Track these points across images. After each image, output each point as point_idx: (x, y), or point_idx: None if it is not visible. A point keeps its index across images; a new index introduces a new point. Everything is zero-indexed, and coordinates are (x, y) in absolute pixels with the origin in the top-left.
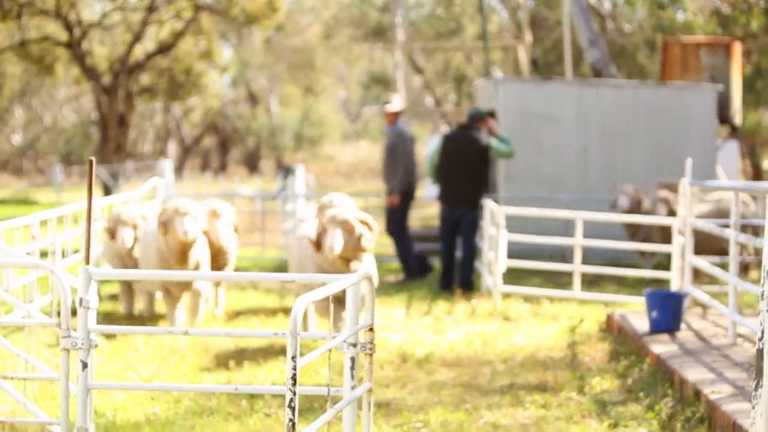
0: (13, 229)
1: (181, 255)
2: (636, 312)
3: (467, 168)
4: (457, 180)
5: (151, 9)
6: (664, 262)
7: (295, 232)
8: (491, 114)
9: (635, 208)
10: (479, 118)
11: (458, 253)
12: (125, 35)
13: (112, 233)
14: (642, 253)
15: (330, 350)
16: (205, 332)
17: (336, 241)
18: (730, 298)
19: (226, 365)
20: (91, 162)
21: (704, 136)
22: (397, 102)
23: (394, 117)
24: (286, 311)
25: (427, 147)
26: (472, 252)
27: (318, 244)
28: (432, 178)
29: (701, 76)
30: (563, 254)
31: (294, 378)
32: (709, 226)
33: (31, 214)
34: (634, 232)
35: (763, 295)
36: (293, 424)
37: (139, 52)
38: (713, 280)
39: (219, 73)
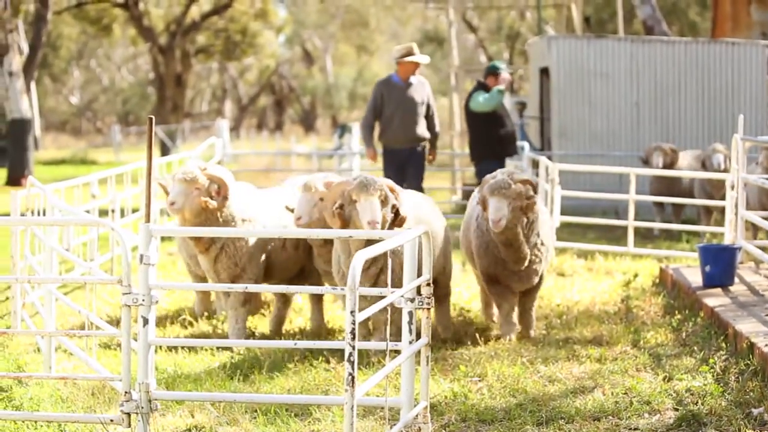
0: (72, 188)
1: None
2: (689, 266)
3: (469, 125)
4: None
5: None
6: (693, 218)
7: None
8: (493, 71)
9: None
10: (488, 74)
11: None
12: None
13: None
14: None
15: (389, 305)
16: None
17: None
18: None
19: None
20: (150, 120)
21: (755, 92)
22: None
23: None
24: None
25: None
26: None
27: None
28: None
29: (752, 32)
30: (616, 209)
31: (353, 332)
32: (762, 180)
33: (91, 174)
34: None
35: None
36: (353, 378)
37: (195, 12)
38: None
39: (274, 33)
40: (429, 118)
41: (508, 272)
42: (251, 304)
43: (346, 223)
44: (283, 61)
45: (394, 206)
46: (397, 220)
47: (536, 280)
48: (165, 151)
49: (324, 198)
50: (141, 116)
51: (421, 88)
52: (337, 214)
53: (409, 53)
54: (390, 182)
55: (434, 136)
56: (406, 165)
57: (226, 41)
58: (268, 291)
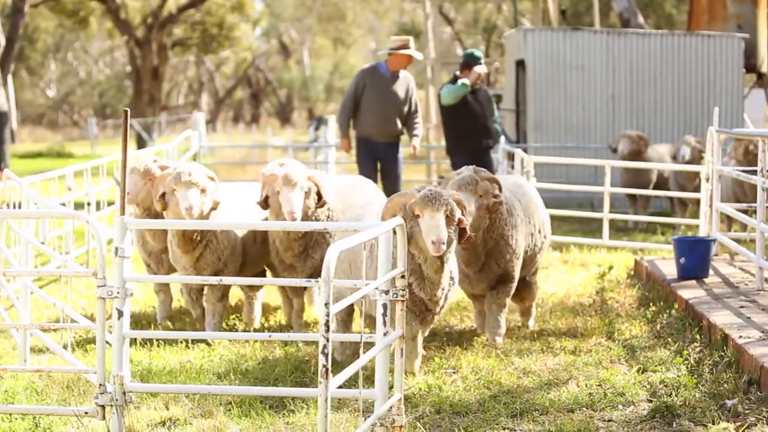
0: (48, 181)
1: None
2: (664, 258)
3: (442, 118)
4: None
5: None
6: (667, 210)
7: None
8: (467, 63)
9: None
10: (463, 67)
11: None
12: None
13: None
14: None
15: (363, 297)
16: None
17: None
18: (757, 244)
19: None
20: (125, 113)
21: (731, 85)
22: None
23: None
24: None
25: None
26: None
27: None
28: None
29: (728, 24)
30: (592, 202)
31: (327, 324)
32: (736, 173)
33: (67, 167)
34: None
35: None
36: (327, 370)
37: (171, 5)
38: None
39: (251, 26)
40: (411, 115)
41: (461, 274)
42: (227, 299)
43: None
44: (260, 54)
45: (460, 221)
46: (462, 240)
47: (494, 282)
48: (141, 143)
49: (308, 191)
50: (118, 109)
51: (405, 83)
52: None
53: (405, 46)
54: (457, 195)
55: (415, 135)
56: (382, 160)
57: (202, 34)
58: (242, 283)
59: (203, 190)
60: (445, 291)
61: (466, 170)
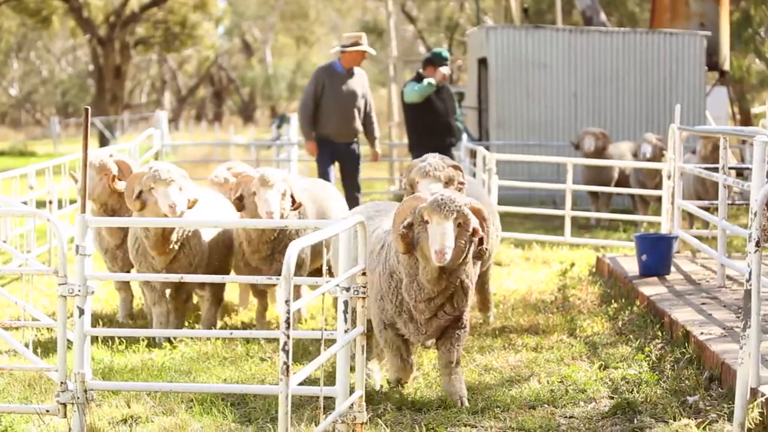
0: (10, 179)
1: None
2: (626, 256)
3: (404, 116)
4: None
5: None
6: (629, 208)
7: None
8: (431, 61)
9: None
10: (426, 64)
11: None
12: None
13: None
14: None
15: (323, 294)
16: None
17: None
18: (718, 241)
19: (222, 313)
20: (86, 111)
21: (693, 82)
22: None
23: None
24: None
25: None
26: None
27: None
28: None
29: (690, 22)
30: (554, 199)
31: (288, 321)
32: (698, 170)
33: (28, 165)
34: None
35: (750, 237)
36: (287, 367)
37: (134, 3)
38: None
39: (213, 24)
40: (368, 115)
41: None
42: (191, 300)
43: (410, 248)
44: (223, 53)
45: (475, 231)
46: (479, 252)
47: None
48: (104, 142)
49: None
50: (80, 108)
51: (361, 80)
52: (401, 235)
53: (358, 42)
54: (474, 202)
55: (374, 137)
56: (342, 160)
57: (165, 33)
58: (203, 281)
59: (180, 188)
60: (452, 311)
61: (431, 157)
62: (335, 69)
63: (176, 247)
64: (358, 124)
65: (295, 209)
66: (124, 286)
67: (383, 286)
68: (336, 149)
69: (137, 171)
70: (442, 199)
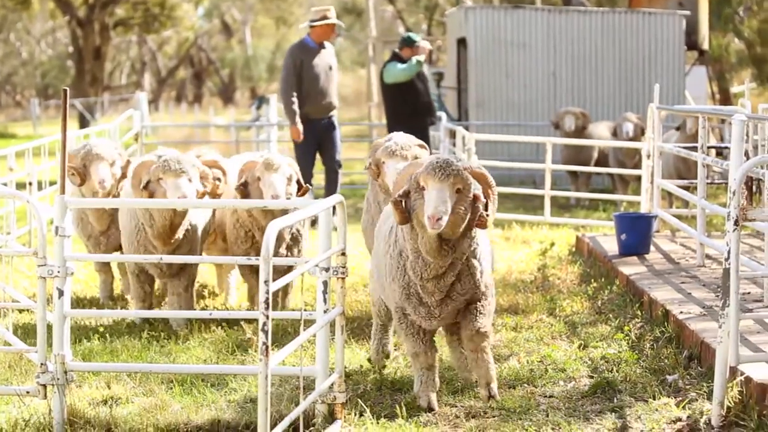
0: None
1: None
2: (605, 235)
3: (383, 97)
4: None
5: None
6: (609, 187)
7: None
8: (408, 42)
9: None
10: (402, 45)
11: None
12: None
13: (81, 174)
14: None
15: (303, 274)
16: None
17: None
18: (698, 220)
19: (202, 294)
20: (65, 92)
21: (672, 62)
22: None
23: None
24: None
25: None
26: None
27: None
28: None
29: (669, 2)
30: (534, 179)
31: (267, 302)
32: (677, 149)
33: (8, 147)
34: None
35: (728, 216)
36: (267, 347)
37: None
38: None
39: (193, 6)
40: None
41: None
42: (193, 287)
43: (406, 217)
44: (202, 34)
45: (476, 197)
46: (480, 219)
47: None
48: (84, 123)
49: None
50: (60, 89)
51: (331, 54)
52: (394, 203)
53: (326, 16)
54: (477, 167)
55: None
56: (322, 139)
57: (144, 14)
58: (181, 262)
59: (190, 180)
60: (462, 291)
61: (396, 136)
62: (308, 45)
63: (180, 237)
64: (336, 99)
65: (301, 195)
66: (104, 268)
67: (393, 267)
68: (315, 127)
69: (146, 159)
70: (437, 163)
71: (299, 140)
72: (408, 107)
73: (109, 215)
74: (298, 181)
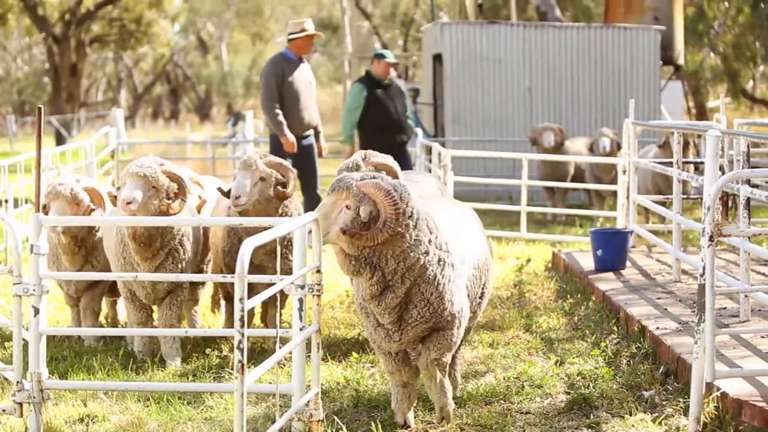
0: None
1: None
2: (582, 251)
3: None
4: None
5: None
6: (585, 203)
7: None
8: (377, 55)
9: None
10: (372, 59)
11: None
12: None
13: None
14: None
15: (278, 292)
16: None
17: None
18: (673, 236)
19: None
20: (39, 110)
21: (648, 77)
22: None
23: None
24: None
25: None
26: None
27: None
28: None
29: (644, 17)
30: (510, 195)
31: (242, 320)
32: (652, 164)
33: None
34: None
35: (703, 231)
36: (242, 365)
37: (89, 1)
38: (660, 219)
39: (169, 22)
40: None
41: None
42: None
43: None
44: (178, 50)
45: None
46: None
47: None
48: (60, 140)
49: (265, 178)
50: (36, 106)
51: (309, 68)
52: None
53: (304, 29)
54: (379, 185)
55: (319, 131)
56: (302, 156)
57: (120, 30)
58: (158, 279)
59: (155, 187)
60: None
61: (357, 155)
62: (289, 58)
63: (162, 253)
64: (316, 116)
65: (285, 198)
66: (76, 302)
67: (355, 288)
68: (297, 144)
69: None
70: (336, 181)
71: (294, 151)
72: (376, 126)
73: (83, 256)
74: (283, 184)
